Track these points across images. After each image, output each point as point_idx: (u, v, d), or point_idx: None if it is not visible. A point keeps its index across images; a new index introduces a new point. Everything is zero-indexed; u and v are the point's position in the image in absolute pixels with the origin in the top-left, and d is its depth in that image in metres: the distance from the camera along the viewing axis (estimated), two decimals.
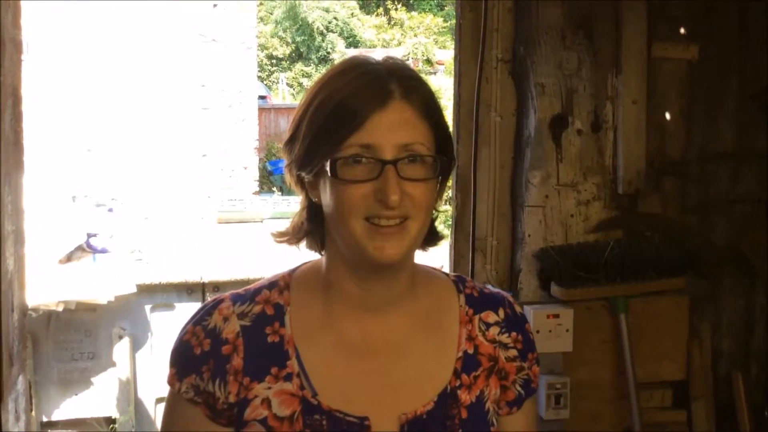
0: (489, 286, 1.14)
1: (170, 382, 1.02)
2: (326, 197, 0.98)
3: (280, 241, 1.07)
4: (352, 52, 20.18)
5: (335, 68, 1.02)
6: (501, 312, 1.07)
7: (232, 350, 0.99)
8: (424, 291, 1.05)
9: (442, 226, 1.12)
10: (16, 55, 1.99)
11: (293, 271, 1.07)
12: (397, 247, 0.95)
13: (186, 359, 1.01)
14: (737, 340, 2.59)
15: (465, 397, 1.02)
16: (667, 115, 2.47)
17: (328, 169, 0.95)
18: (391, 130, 0.95)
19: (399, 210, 0.95)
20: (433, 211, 1.02)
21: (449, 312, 1.05)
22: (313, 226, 1.04)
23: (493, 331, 1.06)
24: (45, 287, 3.78)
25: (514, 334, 1.06)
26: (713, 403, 2.50)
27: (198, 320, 1.02)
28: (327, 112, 0.97)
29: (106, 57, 6.68)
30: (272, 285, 1.05)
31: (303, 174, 1.01)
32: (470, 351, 1.04)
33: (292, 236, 1.06)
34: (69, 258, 4.55)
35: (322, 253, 1.05)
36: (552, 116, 2.37)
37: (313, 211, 1.03)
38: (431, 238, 1.06)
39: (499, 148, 2.41)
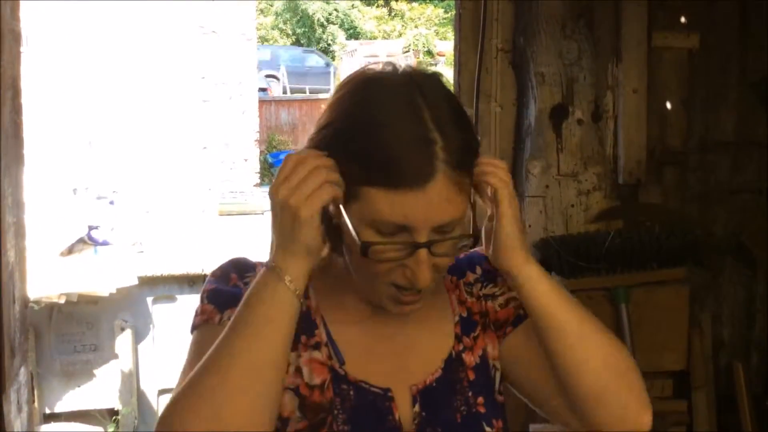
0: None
1: (208, 317, 0.96)
2: (349, 241, 0.92)
3: None
4: (354, 44, 20.14)
5: (363, 93, 0.92)
6: (478, 269, 1.07)
7: None
8: None
9: None
10: (15, 47, 1.99)
11: None
12: (415, 307, 0.95)
13: (230, 296, 0.96)
14: (738, 329, 2.59)
15: (470, 359, 1.03)
16: (668, 105, 2.46)
17: (359, 247, 0.89)
18: (429, 211, 0.88)
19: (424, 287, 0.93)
20: None
21: (438, 283, 1.03)
22: (328, 228, 0.95)
23: (476, 288, 1.06)
24: (47, 280, 3.79)
25: (499, 280, 1.06)
26: (714, 393, 2.50)
27: (240, 273, 0.99)
28: (361, 161, 0.88)
29: (106, 50, 6.68)
30: None
31: None
32: (464, 314, 1.05)
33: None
34: (71, 250, 4.56)
35: (335, 251, 0.98)
36: (552, 106, 2.36)
37: (332, 227, 0.94)
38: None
39: (499, 138, 2.41)
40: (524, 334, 1.03)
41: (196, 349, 0.95)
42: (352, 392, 0.97)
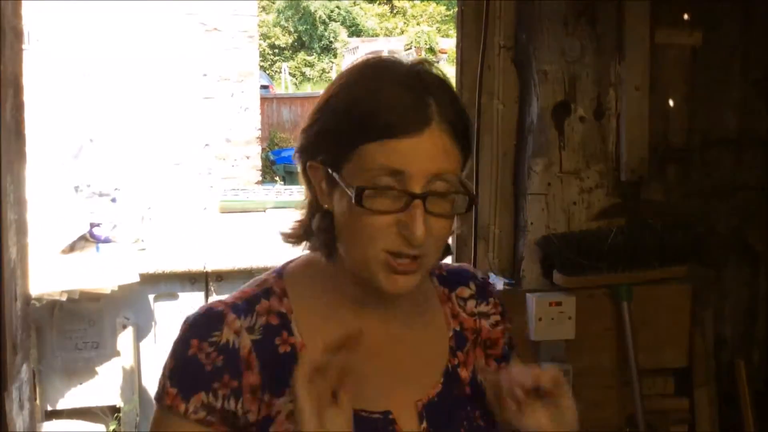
0: (448, 263, 1.14)
1: (172, 403, 0.92)
2: (342, 215, 0.93)
3: (288, 242, 1.03)
4: (355, 41, 20.12)
5: (364, 68, 0.96)
6: (472, 285, 1.08)
7: (246, 366, 0.94)
8: None
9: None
10: (17, 45, 1.99)
11: (280, 273, 1.02)
12: (410, 281, 0.93)
13: (194, 377, 0.93)
14: (740, 327, 2.59)
15: (464, 374, 1.02)
16: (671, 102, 2.46)
17: (351, 195, 0.89)
18: (424, 158, 0.90)
19: (419, 248, 0.91)
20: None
21: (431, 295, 1.05)
22: (324, 233, 0.97)
23: (471, 304, 1.07)
24: (49, 277, 3.79)
25: (491, 300, 1.08)
26: (716, 391, 2.50)
27: (203, 335, 0.95)
28: (354, 119, 0.91)
29: (108, 47, 6.68)
30: (267, 293, 1.00)
31: (313, 163, 0.95)
32: (458, 328, 1.05)
33: (299, 238, 1.02)
34: (72, 248, 4.56)
35: (329, 257, 0.99)
36: (555, 103, 2.36)
37: (324, 216, 0.97)
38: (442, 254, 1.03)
39: (501, 135, 2.41)
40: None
41: None
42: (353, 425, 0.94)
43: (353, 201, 0.90)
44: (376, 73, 0.94)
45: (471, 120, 0.99)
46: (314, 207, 0.99)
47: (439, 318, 1.04)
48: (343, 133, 0.91)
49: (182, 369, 0.94)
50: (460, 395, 1.01)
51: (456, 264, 1.13)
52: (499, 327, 1.07)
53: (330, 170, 0.93)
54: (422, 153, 0.90)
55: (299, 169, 1.00)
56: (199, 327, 0.96)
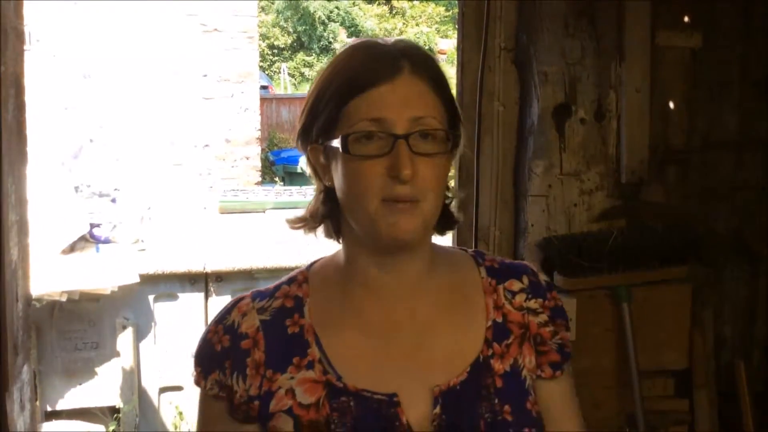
0: (509, 259, 1.14)
1: (197, 381, 1.04)
2: (339, 178, 0.98)
3: (296, 228, 1.07)
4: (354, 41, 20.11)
5: (346, 49, 1.03)
6: (525, 279, 1.07)
7: (252, 344, 1.01)
8: (445, 268, 1.05)
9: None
10: (18, 45, 1.99)
11: (310, 266, 1.08)
12: (410, 223, 0.95)
13: (209, 357, 1.03)
14: (740, 328, 2.59)
15: (498, 366, 1.01)
16: (671, 104, 2.46)
17: (339, 145, 0.95)
18: (402, 104, 0.95)
19: (411, 188, 0.94)
20: (446, 194, 1.02)
21: (472, 284, 1.05)
22: (328, 212, 1.03)
23: (520, 298, 1.05)
24: (49, 277, 3.79)
25: (540, 300, 1.06)
26: (716, 391, 2.50)
27: (219, 319, 1.04)
28: (336, 86, 0.97)
29: (108, 47, 6.67)
30: (291, 280, 1.06)
31: (312, 146, 1.01)
32: (499, 320, 1.04)
33: (309, 222, 1.06)
34: (72, 248, 4.56)
35: (339, 240, 1.05)
36: (555, 105, 2.36)
37: (328, 196, 1.03)
38: (446, 221, 1.06)
39: (501, 137, 2.41)
40: (560, 387, 1.05)
41: (198, 417, 1.05)
42: (353, 403, 0.96)
43: (341, 150, 0.95)
44: (356, 48, 1.02)
45: (448, 77, 1.04)
46: (323, 193, 1.04)
47: (478, 308, 1.04)
48: (328, 100, 0.98)
49: (201, 350, 1.04)
50: (488, 387, 1.00)
51: (518, 261, 1.13)
52: (548, 328, 1.05)
53: (322, 141, 0.99)
54: (397, 98, 0.95)
55: (303, 157, 1.05)
56: (220, 313, 1.05)
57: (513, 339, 1.03)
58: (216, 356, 1.01)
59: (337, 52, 1.05)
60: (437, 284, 1.03)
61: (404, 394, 0.97)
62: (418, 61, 0.99)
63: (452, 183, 2.66)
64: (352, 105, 0.96)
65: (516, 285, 1.06)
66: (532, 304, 1.06)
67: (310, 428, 0.96)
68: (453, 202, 1.07)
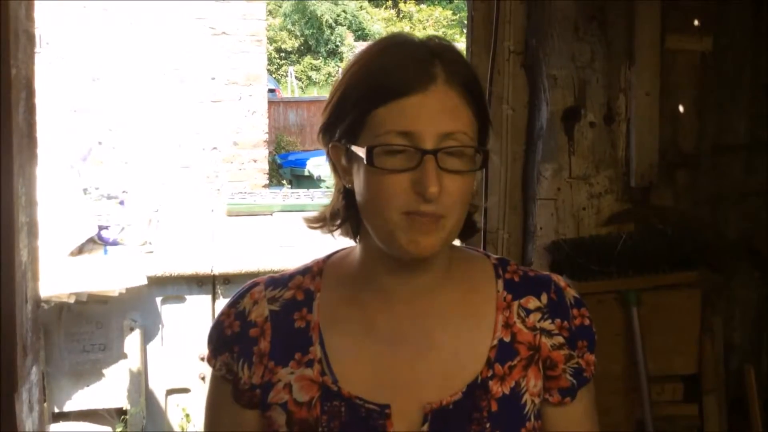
0: (536, 270, 1.06)
1: (208, 359, 1.05)
2: (361, 185, 0.94)
3: (313, 227, 1.04)
4: (362, 46, 20.17)
5: (376, 44, 0.98)
6: (544, 297, 1.00)
7: (260, 333, 1.01)
8: (460, 278, 1.01)
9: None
10: (29, 48, 1.99)
11: (328, 257, 1.06)
12: (431, 240, 0.91)
13: (219, 339, 1.04)
14: (749, 333, 2.58)
15: (497, 388, 0.96)
16: (681, 108, 2.45)
17: (363, 156, 0.91)
18: (432, 117, 0.90)
19: (436, 205, 0.90)
20: (470, 205, 0.98)
21: (486, 299, 1.00)
22: (347, 213, 1.00)
23: (534, 317, 0.99)
24: (57, 279, 3.79)
25: (558, 320, 0.99)
26: (725, 397, 2.49)
27: (232, 302, 1.05)
28: (364, 88, 0.93)
29: (117, 50, 6.70)
30: (306, 270, 1.05)
31: (335, 144, 0.97)
32: (507, 339, 0.98)
33: (326, 223, 1.03)
34: (80, 250, 4.57)
35: (357, 240, 1.02)
36: (564, 108, 2.36)
37: (347, 196, 0.99)
38: (468, 230, 1.01)
39: (511, 140, 2.41)
40: (569, 414, 1.01)
41: (208, 394, 1.07)
42: (344, 409, 0.95)
43: (365, 162, 0.91)
44: (386, 44, 0.97)
45: (483, 84, 0.99)
46: (339, 189, 1.01)
47: (485, 324, 0.99)
48: (355, 102, 0.93)
49: (213, 331, 1.05)
50: (482, 409, 0.95)
51: (546, 273, 1.05)
52: (562, 351, 0.99)
53: (345, 142, 0.95)
54: (429, 111, 0.91)
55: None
56: (234, 296, 1.05)
57: (518, 361, 0.98)
58: (226, 340, 1.02)
59: (370, 44, 0.99)
60: (447, 296, 0.99)
61: (397, 406, 0.95)
62: (453, 67, 0.93)
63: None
64: (380, 112, 0.91)
65: (532, 303, 1.00)
66: (548, 324, 0.99)
67: (301, 426, 0.96)
68: (477, 211, 1.03)
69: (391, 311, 0.98)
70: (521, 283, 1.02)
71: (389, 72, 0.92)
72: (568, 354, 1.00)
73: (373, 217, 0.94)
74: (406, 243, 0.91)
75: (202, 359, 4.17)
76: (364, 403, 0.96)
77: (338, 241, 1.06)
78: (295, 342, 0.99)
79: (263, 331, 1.01)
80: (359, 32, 21.57)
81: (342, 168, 0.98)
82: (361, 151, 0.92)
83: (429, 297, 0.99)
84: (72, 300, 3.88)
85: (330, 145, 0.99)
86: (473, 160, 0.94)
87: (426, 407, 0.95)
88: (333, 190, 1.03)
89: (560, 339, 1.00)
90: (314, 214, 1.05)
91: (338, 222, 1.02)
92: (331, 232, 1.03)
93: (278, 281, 1.04)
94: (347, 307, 1.00)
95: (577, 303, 1.03)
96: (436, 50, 0.94)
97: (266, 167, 7.52)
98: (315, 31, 21.15)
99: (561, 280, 1.04)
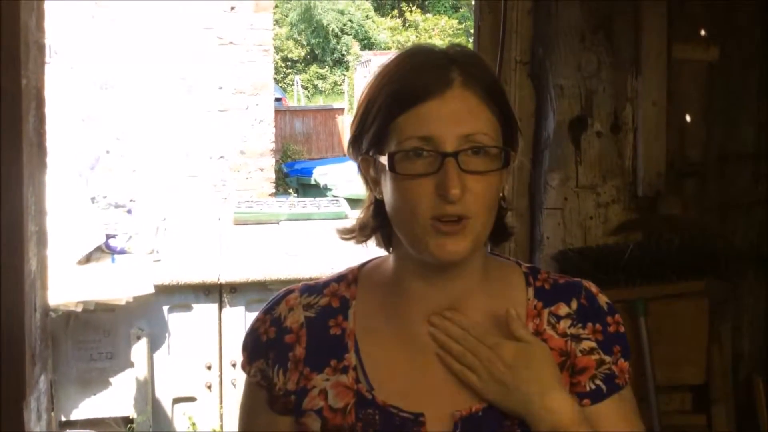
0: (567, 276, 1.06)
1: (242, 366, 1.06)
2: (388, 194, 0.96)
3: (346, 239, 1.05)
4: (368, 55, 20.21)
5: (397, 55, 1.00)
6: (574, 303, 1.01)
7: (295, 340, 1.02)
8: (494, 286, 1.02)
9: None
10: (39, 58, 2.01)
11: (363, 265, 1.07)
12: (458, 244, 0.92)
13: (255, 345, 1.04)
14: (758, 342, 2.57)
15: None
16: (687, 117, 2.45)
17: (386, 163, 0.93)
18: (451, 120, 0.92)
19: (460, 206, 0.91)
20: (501, 204, 0.99)
21: (516, 306, 0.99)
22: (379, 223, 1.01)
23: (564, 324, 1.00)
24: (64, 288, 3.81)
25: (590, 325, 1.00)
26: (733, 407, 2.48)
27: (267, 309, 1.05)
28: (384, 98, 0.95)
29: (125, 59, 6.74)
30: (341, 278, 1.06)
31: (363, 156, 0.99)
32: None
33: (358, 234, 1.04)
34: (88, 259, 4.58)
35: (390, 250, 1.03)
36: (571, 118, 2.36)
37: (378, 207, 1.01)
38: (501, 233, 1.02)
39: (517, 150, 2.41)
40: (601, 415, 0.98)
41: (242, 400, 1.08)
42: (378, 417, 0.96)
43: (388, 168, 0.93)
44: (406, 55, 0.99)
45: (503, 86, 1.00)
46: (370, 201, 1.03)
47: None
48: (377, 113, 0.95)
49: (248, 337, 1.06)
50: (513, 417, 0.96)
51: (577, 279, 1.05)
52: (593, 356, 0.99)
53: (372, 153, 0.97)
54: (447, 115, 0.92)
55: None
56: (270, 303, 1.06)
57: None
58: (261, 346, 1.03)
59: (391, 57, 1.01)
60: (482, 303, 1.00)
61: (430, 414, 0.96)
62: (470, 71, 0.94)
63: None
64: (401, 120, 0.93)
65: (563, 309, 1.01)
66: (578, 330, 1.00)
67: None
68: (508, 214, 1.04)
69: (424, 318, 0.99)
70: (551, 291, 1.02)
71: (407, 80, 0.94)
72: (600, 359, 1.00)
73: (402, 225, 0.95)
74: (434, 247, 0.93)
75: (209, 368, 4.19)
76: (398, 412, 0.96)
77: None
78: (330, 349, 1.00)
79: (299, 338, 1.02)
80: (365, 41, 21.64)
81: (372, 179, 1.00)
82: (385, 160, 0.94)
83: (461, 304, 0.99)
84: (79, 308, 3.89)
85: (360, 159, 1.01)
86: (497, 160, 0.95)
87: (455, 415, 0.96)
88: (365, 200, 1.05)
89: (591, 344, 1.00)
90: (347, 225, 1.06)
91: (367, 233, 1.03)
92: (361, 243, 1.04)
93: (313, 288, 1.05)
94: (382, 315, 1.01)
95: (610, 310, 1.04)
96: (454, 56, 0.96)
97: (273, 176, 7.54)
98: (321, 40, 21.24)
99: (592, 286, 1.05)
